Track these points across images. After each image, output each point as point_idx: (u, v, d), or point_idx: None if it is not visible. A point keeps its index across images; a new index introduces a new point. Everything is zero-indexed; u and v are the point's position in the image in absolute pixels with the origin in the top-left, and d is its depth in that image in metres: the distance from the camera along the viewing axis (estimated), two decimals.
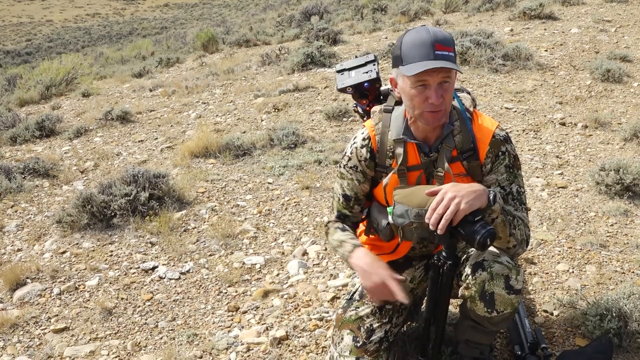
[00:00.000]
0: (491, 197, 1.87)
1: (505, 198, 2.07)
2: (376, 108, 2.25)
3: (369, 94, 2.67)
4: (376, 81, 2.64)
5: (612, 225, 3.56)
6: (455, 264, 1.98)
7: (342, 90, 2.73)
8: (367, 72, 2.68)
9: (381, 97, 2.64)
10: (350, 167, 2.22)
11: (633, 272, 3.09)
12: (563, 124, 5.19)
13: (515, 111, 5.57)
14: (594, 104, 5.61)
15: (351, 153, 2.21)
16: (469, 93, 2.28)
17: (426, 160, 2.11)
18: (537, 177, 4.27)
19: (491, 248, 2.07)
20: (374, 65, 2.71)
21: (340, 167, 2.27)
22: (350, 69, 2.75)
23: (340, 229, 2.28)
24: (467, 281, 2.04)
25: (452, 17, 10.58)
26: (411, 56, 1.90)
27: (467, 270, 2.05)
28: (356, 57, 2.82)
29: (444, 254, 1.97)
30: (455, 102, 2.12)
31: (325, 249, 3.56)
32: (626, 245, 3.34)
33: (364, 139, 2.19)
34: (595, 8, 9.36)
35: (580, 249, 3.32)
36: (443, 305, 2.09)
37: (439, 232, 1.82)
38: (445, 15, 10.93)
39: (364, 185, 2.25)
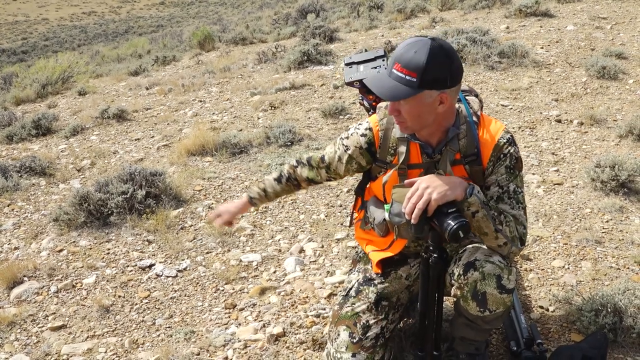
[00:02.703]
0: (468, 191, 1.89)
1: (502, 196, 2.07)
2: (382, 104, 2.26)
3: None
4: None
5: (607, 221, 3.57)
6: (442, 258, 1.98)
7: (350, 84, 2.73)
8: (375, 67, 2.68)
9: None
10: (343, 144, 2.26)
11: (628, 268, 3.10)
12: (559, 121, 5.21)
13: (511, 108, 5.58)
14: (589, 101, 5.63)
15: (351, 134, 2.25)
16: (476, 95, 2.27)
17: (428, 161, 2.12)
18: (533, 174, 4.28)
19: (484, 247, 2.08)
20: (383, 60, 2.70)
21: (339, 137, 2.32)
22: (359, 63, 2.75)
23: (277, 179, 2.48)
24: (459, 281, 2.05)
25: (448, 15, 10.58)
26: (388, 64, 1.94)
27: (459, 269, 2.06)
28: (365, 50, 2.80)
29: (430, 247, 1.98)
30: (462, 106, 2.11)
31: (322, 246, 3.57)
32: (621, 241, 3.35)
33: (366, 129, 2.21)
34: (591, 5, 9.37)
35: (576, 245, 3.33)
36: (434, 300, 2.08)
37: (412, 221, 1.87)
38: (442, 13, 10.93)
39: (340, 165, 2.29)
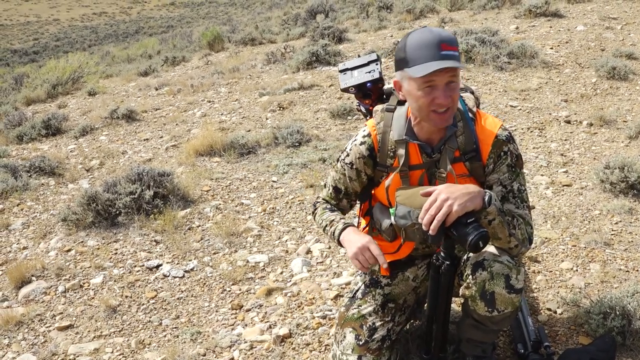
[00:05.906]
0: (486, 199, 1.87)
1: (506, 196, 2.06)
2: (378, 107, 2.25)
3: (371, 94, 2.67)
4: (379, 81, 2.64)
5: (616, 223, 3.54)
6: (453, 264, 1.98)
7: (345, 90, 2.73)
8: (369, 72, 2.67)
9: (384, 96, 2.64)
10: (346, 163, 2.24)
11: (637, 270, 3.07)
12: (568, 122, 5.18)
13: (520, 109, 5.56)
14: (599, 102, 5.59)
15: (350, 150, 2.23)
16: (472, 92, 2.27)
17: (428, 161, 2.11)
18: (542, 175, 4.26)
19: (492, 248, 2.07)
20: (377, 64, 2.70)
21: (337, 160, 2.29)
22: (352, 69, 2.74)
23: (329, 209, 2.32)
24: (468, 281, 2.04)
25: (457, 15, 10.55)
26: (417, 57, 1.88)
27: (468, 270, 2.05)
28: (359, 56, 2.81)
29: (442, 254, 1.97)
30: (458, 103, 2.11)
31: (329, 247, 3.56)
32: (630, 243, 3.32)
33: (364, 137, 2.20)
34: (601, 5, 9.31)
35: (585, 247, 3.31)
36: (443, 304, 2.09)
37: (430, 232, 1.84)
38: (451, 13, 10.90)
39: (354, 183, 2.26)
